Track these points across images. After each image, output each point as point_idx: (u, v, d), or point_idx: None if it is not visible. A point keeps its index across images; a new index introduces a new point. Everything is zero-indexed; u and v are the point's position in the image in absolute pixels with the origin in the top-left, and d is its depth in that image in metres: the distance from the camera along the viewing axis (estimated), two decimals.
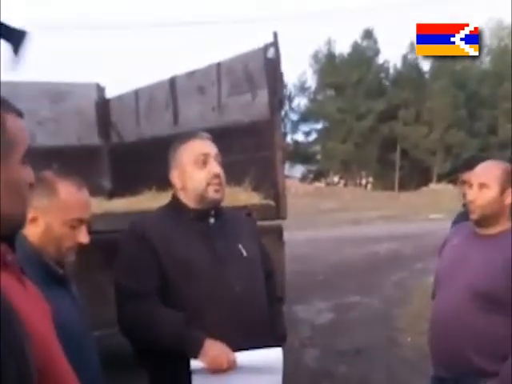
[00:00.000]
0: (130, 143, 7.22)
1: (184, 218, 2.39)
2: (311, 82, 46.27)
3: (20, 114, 1.26)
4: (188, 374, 2.19)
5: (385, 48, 54.11)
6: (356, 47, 44.61)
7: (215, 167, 2.39)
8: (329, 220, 17.69)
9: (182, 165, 2.43)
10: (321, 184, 43.09)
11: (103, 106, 7.68)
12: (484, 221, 2.67)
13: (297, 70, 44.30)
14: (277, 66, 5.31)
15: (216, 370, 2.17)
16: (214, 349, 2.18)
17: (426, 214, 23.78)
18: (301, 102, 45.05)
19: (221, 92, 6.07)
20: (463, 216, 3.83)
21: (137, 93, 7.24)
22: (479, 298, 2.56)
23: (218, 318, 2.26)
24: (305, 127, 45.73)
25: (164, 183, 5.82)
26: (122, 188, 6.27)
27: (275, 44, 5.29)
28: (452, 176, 40.21)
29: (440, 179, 41.14)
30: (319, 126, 45.91)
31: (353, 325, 6.81)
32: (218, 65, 6.13)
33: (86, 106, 7.45)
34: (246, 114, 5.54)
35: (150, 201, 5.57)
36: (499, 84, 41.37)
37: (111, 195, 6.51)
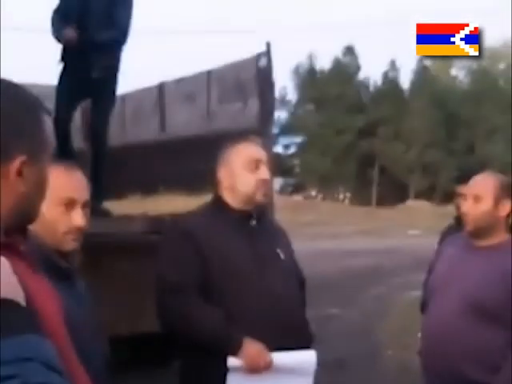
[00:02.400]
0: (114, 148, 7.16)
1: (227, 217, 2.43)
2: (292, 96, 46.57)
3: (49, 114, 1.28)
4: (222, 371, 2.22)
5: (365, 65, 54.57)
6: (337, 63, 44.99)
7: (265, 173, 2.44)
8: (307, 233, 17.71)
9: (232, 165, 2.45)
10: (299, 197, 43.20)
11: (88, 109, 7.61)
12: (478, 233, 2.68)
13: (278, 84, 44.43)
14: (268, 76, 5.33)
15: (252, 370, 2.22)
16: (252, 349, 2.22)
17: (404, 229, 23.96)
18: (281, 115, 45.19)
19: (210, 100, 6.07)
20: (453, 228, 3.87)
21: (123, 98, 7.19)
22: (475, 310, 2.57)
23: (259, 318, 2.29)
24: (284, 140, 45.92)
25: (149, 188, 5.85)
26: (107, 192, 6.22)
27: (268, 54, 5.30)
28: (429, 193, 40.74)
29: (417, 196, 41.53)
30: (299, 139, 46.16)
31: (333, 337, 6.81)
32: (209, 73, 6.14)
33: None
34: (235, 123, 5.54)
35: (135, 205, 5.56)
36: (478, 105, 42.01)
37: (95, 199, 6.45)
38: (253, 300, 2.31)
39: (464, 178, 3.88)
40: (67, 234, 1.88)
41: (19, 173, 1.16)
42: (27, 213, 1.23)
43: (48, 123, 1.23)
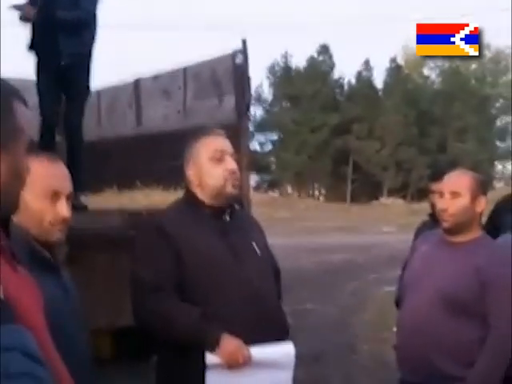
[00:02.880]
0: (90, 142, 7.13)
1: (200, 214, 2.40)
2: (267, 94, 46.62)
3: (26, 104, 1.26)
4: (199, 367, 2.20)
5: (340, 64, 54.87)
6: (312, 61, 45.14)
7: (232, 163, 2.40)
8: (283, 229, 17.77)
9: (197, 160, 2.42)
10: (274, 194, 43.31)
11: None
12: (456, 229, 2.70)
13: (253, 82, 44.39)
14: (245, 72, 5.35)
15: (232, 366, 2.19)
16: (230, 344, 2.19)
17: (378, 226, 24.15)
18: (257, 112, 45.22)
19: (187, 96, 6.07)
20: (427, 225, 3.91)
21: (99, 93, 7.16)
22: (447, 305, 2.59)
23: (237, 313, 2.27)
24: (260, 137, 45.98)
25: (125, 182, 5.83)
26: (84, 186, 6.19)
27: (244, 50, 5.33)
28: (402, 191, 41.12)
29: (390, 194, 41.90)
30: (274, 137, 46.27)
31: (309, 332, 6.85)
32: (185, 69, 6.14)
33: None
34: (212, 119, 5.55)
35: (112, 199, 5.54)
36: (450, 104, 42.52)
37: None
38: (230, 293, 2.29)
39: (436, 175, 3.92)
40: (53, 225, 1.89)
41: None
42: (5, 203, 1.20)
43: (23, 112, 1.21)
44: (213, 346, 2.18)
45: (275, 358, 2.31)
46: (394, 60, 45.69)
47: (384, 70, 45.62)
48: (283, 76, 45.24)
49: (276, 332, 2.36)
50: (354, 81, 45.90)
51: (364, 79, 45.01)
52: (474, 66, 46.39)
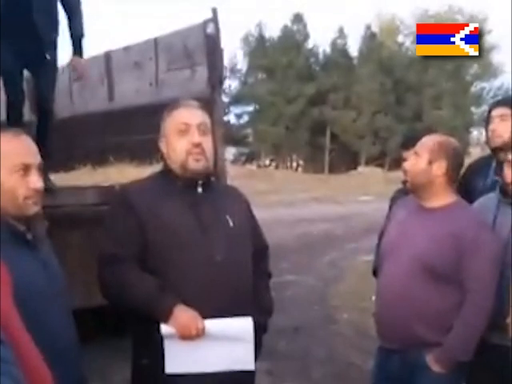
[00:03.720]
0: (62, 119, 6.98)
1: (173, 186, 2.37)
2: (242, 64, 46.27)
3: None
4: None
5: (314, 33, 54.55)
6: (286, 31, 44.80)
7: (195, 137, 2.35)
8: (262, 201, 17.73)
9: (166, 134, 2.40)
10: (252, 166, 43.24)
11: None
12: (417, 190, 2.73)
13: (228, 53, 44.09)
14: (216, 42, 5.25)
15: (185, 336, 2.19)
16: (183, 315, 2.18)
17: (356, 196, 24.29)
18: (232, 84, 44.91)
19: (158, 68, 5.96)
20: (401, 192, 3.90)
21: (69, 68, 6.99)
22: (424, 271, 2.59)
23: (197, 286, 2.24)
24: (236, 110, 45.76)
25: (99, 159, 5.73)
26: (55, 164, 6.08)
27: (215, 20, 5.21)
28: (380, 160, 41.32)
29: (368, 163, 42.08)
30: (250, 108, 46.03)
31: (289, 303, 6.88)
32: (155, 40, 6.01)
33: None
34: (184, 90, 5.45)
35: (86, 176, 5.46)
36: (425, 71, 42.57)
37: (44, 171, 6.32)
38: (191, 267, 2.26)
39: (407, 143, 3.92)
40: (27, 199, 1.89)
41: None
42: None
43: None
44: (166, 317, 2.18)
45: (232, 332, 2.29)
46: (368, 27, 45.52)
47: (359, 38, 45.51)
48: (257, 46, 44.88)
49: (241, 308, 2.32)
50: (328, 50, 45.70)
51: (339, 48, 44.80)
52: None
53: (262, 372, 2.50)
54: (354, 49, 46.02)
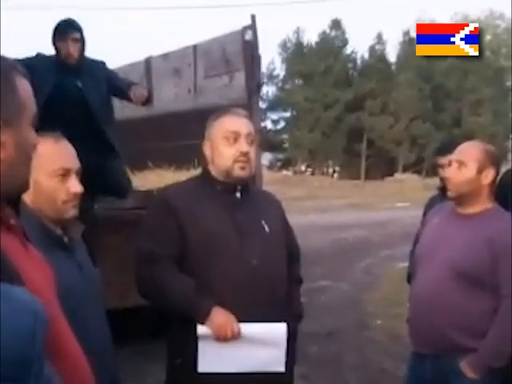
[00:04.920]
0: None
1: (212, 190, 2.44)
2: (279, 70, 46.31)
3: (27, 78, 1.24)
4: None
5: (352, 39, 54.23)
6: (324, 37, 44.70)
7: (243, 146, 2.41)
8: (297, 207, 17.73)
9: (212, 139, 2.47)
10: (288, 172, 43.19)
11: None
12: (461, 199, 2.70)
13: (265, 59, 44.24)
14: (254, 49, 5.29)
15: (220, 338, 2.24)
16: (220, 317, 2.24)
17: (392, 202, 24.06)
18: (269, 90, 44.97)
19: (197, 74, 6.03)
20: (437, 199, 3.90)
21: None
22: (459, 277, 2.60)
23: (233, 290, 2.30)
24: (273, 115, 45.78)
25: (137, 164, 5.82)
26: None
27: (253, 26, 5.26)
28: (417, 166, 40.86)
29: (405, 169, 41.64)
30: (287, 114, 46.02)
31: (323, 309, 6.88)
32: (195, 47, 6.10)
33: None
34: (222, 97, 5.51)
35: None
36: (464, 77, 41.97)
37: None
38: (228, 271, 2.31)
39: (444, 149, 3.91)
40: (66, 203, 1.94)
41: None
42: (14, 181, 1.19)
43: (24, 87, 1.20)
44: (203, 318, 2.23)
45: (267, 336, 2.34)
46: (407, 33, 45.10)
47: (397, 44, 45.13)
48: (295, 52, 44.87)
49: (279, 311, 2.38)
50: (366, 55, 45.45)
51: (377, 53, 44.52)
52: (488, 37, 45.74)
53: (296, 376, 2.55)
54: (392, 55, 45.70)
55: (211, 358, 2.28)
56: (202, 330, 2.24)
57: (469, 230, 2.66)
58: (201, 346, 2.27)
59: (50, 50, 4.45)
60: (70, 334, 1.31)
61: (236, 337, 2.25)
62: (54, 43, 4.38)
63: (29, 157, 1.23)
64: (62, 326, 1.28)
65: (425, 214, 3.64)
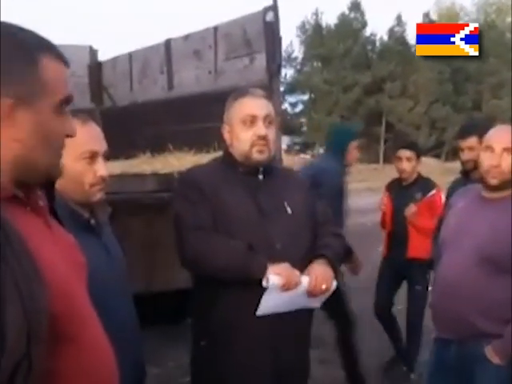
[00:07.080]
0: (122, 107, 7.13)
1: (234, 172, 2.44)
2: (298, 52, 46.07)
3: (66, 63, 1.20)
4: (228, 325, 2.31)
5: (372, 21, 53.76)
6: (343, 19, 44.32)
7: (261, 129, 2.39)
8: None
9: (230, 123, 2.46)
10: (306, 155, 43.04)
11: (96, 69, 7.56)
12: (503, 186, 2.64)
13: (284, 41, 43.96)
14: (276, 30, 5.22)
15: (286, 286, 2.26)
16: (283, 268, 2.27)
17: None
18: (287, 72, 44.74)
19: (217, 56, 5.99)
20: (459, 182, 3.84)
21: (130, 56, 7.13)
22: (485, 262, 2.57)
23: None
24: (291, 98, 45.62)
25: (157, 147, 5.82)
26: (116, 151, 6.22)
27: (274, 7, 5.19)
28: (437, 150, 40.51)
29: (424, 153, 41.30)
30: (305, 97, 45.81)
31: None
32: (215, 28, 6.05)
33: (78, 68, 7.24)
34: (243, 79, 5.47)
35: (145, 164, 5.55)
36: (485, 59, 41.39)
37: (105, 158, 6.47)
38: None
39: (464, 132, 3.82)
40: (93, 186, 1.93)
41: (9, 117, 1.09)
42: (31, 164, 1.14)
43: (53, 68, 1.15)
44: (262, 272, 2.23)
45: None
46: (427, 15, 44.57)
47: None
48: (314, 35, 44.56)
49: None
50: (386, 38, 44.99)
51: (396, 35, 44.08)
52: (509, 19, 45.02)
53: (314, 360, 2.54)
54: (411, 37, 45.18)
55: (270, 304, 2.30)
56: (273, 279, 2.25)
57: (494, 214, 2.63)
58: (267, 295, 2.26)
59: None
60: (96, 324, 1.26)
61: (298, 284, 2.30)
62: None
63: (50, 143, 1.17)
64: (85, 308, 1.24)
65: (447, 197, 3.60)
